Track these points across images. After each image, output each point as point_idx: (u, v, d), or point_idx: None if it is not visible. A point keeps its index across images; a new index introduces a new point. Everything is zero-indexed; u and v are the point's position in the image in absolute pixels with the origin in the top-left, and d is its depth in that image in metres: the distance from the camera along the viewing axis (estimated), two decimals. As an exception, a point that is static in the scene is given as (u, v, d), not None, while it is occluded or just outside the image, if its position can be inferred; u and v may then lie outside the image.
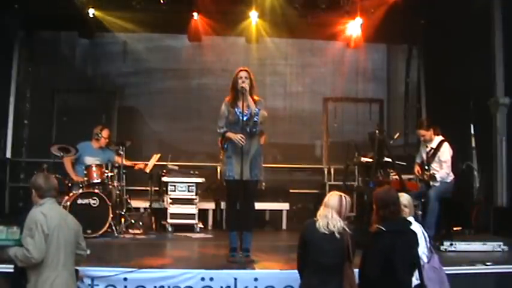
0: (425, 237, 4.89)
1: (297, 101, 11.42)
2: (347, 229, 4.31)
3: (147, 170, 8.59)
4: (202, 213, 8.80)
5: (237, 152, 5.83)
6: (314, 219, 4.42)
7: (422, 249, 4.69)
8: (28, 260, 4.09)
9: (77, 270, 4.48)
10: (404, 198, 4.86)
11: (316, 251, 4.29)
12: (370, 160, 7.37)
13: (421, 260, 4.58)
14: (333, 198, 4.45)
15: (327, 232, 4.28)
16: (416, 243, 4.37)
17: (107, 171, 7.93)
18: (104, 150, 8.23)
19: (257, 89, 6.03)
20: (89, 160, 7.95)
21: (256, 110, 5.84)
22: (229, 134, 5.85)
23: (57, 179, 4.74)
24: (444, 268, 5.46)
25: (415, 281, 4.40)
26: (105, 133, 8.18)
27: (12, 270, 4.55)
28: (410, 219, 4.74)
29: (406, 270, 4.27)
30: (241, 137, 5.77)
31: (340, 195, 4.46)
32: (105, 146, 8.24)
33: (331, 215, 4.34)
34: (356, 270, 4.40)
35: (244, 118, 5.85)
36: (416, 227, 4.72)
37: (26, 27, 10.45)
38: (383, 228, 4.24)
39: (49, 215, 4.21)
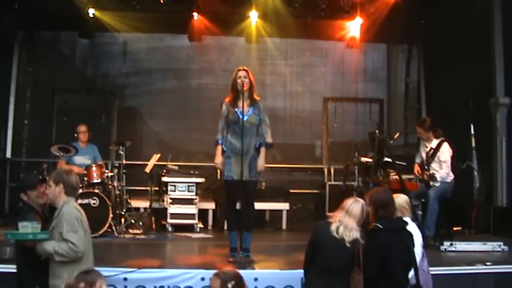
0: (421, 237, 4.88)
1: (297, 101, 11.41)
2: (360, 239, 4.24)
3: (147, 170, 8.60)
4: (202, 213, 8.80)
5: (236, 152, 5.84)
6: (329, 222, 4.33)
7: (418, 247, 4.68)
8: (75, 253, 4.11)
9: None
10: (401, 198, 4.85)
11: (325, 254, 4.25)
12: (370, 160, 7.38)
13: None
14: (356, 206, 4.31)
15: (340, 238, 4.22)
16: (413, 243, 4.37)
17: (107, 171, 7.93)
18: (91, 147, 8.16)
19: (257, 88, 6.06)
20: (78, 159, 7.93)
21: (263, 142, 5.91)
22: (217, 152, 5.94)
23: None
24: (444, 268, 5.50)
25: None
26: (80, 128, 8.10)
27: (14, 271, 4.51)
28: (407, 219, 4.73)
29: (403, 269, 4.27)
30: (220, 163, 5.94)
31: (362, 204, 4.34)
32: (88, 141, 8.14)
33: (350, 225, 4.24)
34: None
35: (245, 118, 5.86)
36: (412, 227, 4.72)
37: (26, 27, 10.46)
38: (379, 226, 4.25)
39: (81, 211, 4.30)
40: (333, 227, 4.26)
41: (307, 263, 4.44)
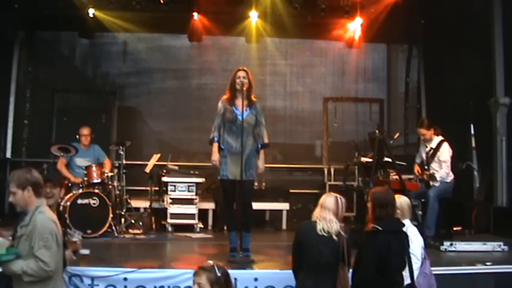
0: (422, 238, 4.87)
1: (297, 101, 11.41)
2: (343, 233, 4.26)
3: (147, 170, 8.60)
4: (202, 213, 8.80)
5: (232, 151, 5.85)
6: (310, 221, 4.37)
7: (419, 249, 4.67)
8: (45, 273, 3.65)
9: None
10: (404, 200, 4.84)
11: (311, 252, 4.26)
12: (370, 160, 7.37)
13: (416, 258, 4.55)
14: (329, 199, 4.38)
15: (325, 234, 4.24)
16: (408, 245, 4.37)
17: (107, 171, 7.92)
18: (93, 148, 8.17)
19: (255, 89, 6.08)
20: (79, 161, 7.94)
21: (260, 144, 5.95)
22: (214, 150, 5.94)
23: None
24: (444, 268, 5.49)
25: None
26: (82, 131, 8.09)
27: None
28: (407, 221, 4.72)
29: (399, 270, 4.28)
30: (215, 161, 5.92)
31: (336, 197, 4.40)
32: (90, 144, 8.15)
33: (328, 217, 4.29)
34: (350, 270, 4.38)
35: (244, 116, 5.85)
36: (413, 230, 4.71)
37: (26, 27, 10.45)
38: (379, 228, 4.24)
39: (56, 222, 3.83)
40: (318, 225, 4.29)
41: (295, 265, 4.46)
